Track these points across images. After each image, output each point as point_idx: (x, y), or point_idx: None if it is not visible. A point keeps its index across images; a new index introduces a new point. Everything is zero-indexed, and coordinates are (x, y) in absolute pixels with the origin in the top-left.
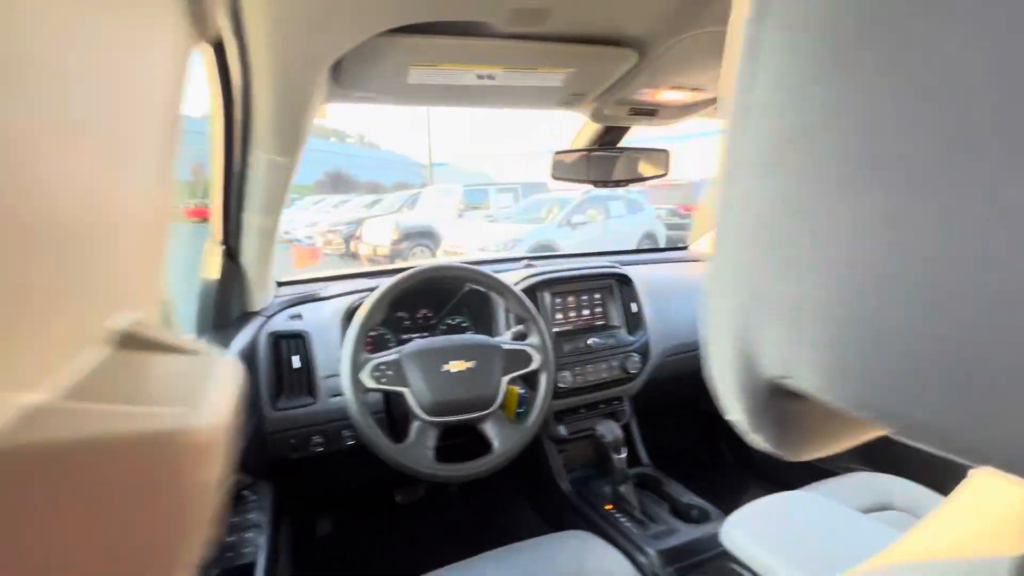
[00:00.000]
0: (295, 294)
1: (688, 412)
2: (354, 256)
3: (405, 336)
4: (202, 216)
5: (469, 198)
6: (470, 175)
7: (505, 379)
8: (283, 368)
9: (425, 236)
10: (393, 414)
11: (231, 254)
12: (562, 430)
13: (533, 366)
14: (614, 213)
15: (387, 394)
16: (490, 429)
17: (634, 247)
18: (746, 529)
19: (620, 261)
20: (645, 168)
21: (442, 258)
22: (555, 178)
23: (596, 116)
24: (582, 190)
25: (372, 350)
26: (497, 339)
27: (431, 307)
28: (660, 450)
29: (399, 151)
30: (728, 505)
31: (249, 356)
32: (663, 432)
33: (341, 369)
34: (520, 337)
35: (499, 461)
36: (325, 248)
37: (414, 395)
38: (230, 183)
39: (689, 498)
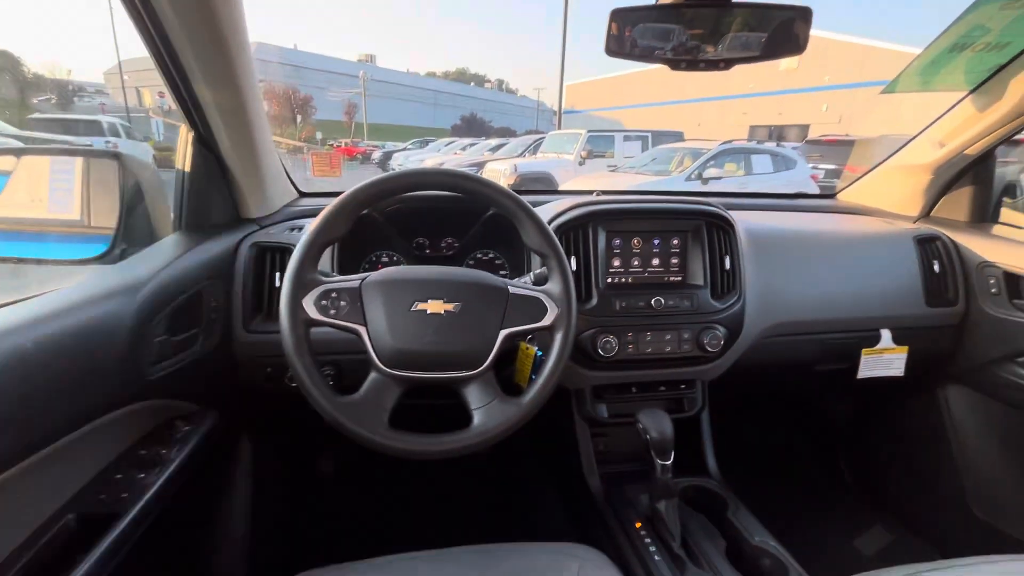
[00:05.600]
0: (314, 207)
1: (793, 411)
2: None
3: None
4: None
5: (593, 144)
6: (602, 123)
7: (504, 332)
8: (266, 285)
9: (541, 181)
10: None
11: (204, 142)
12: (602, 410)
13: (545, 321)
14: (757, 169)
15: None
16: (473, 396)
17: None
18: None
19: (737, 205)
20: (765, 40)
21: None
22: (611, 52)
23: None
24: (719, 140)
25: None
26: (503, 279)
27: (456, 233)
28: (739, 459)
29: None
30: (828, 562)
31: (220, 267)
32: (749, 433)
33: (282, 291)
34: (540, 281)
35: (477, 442)
36: None
37: (371, 337)
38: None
39: (762, 538)
